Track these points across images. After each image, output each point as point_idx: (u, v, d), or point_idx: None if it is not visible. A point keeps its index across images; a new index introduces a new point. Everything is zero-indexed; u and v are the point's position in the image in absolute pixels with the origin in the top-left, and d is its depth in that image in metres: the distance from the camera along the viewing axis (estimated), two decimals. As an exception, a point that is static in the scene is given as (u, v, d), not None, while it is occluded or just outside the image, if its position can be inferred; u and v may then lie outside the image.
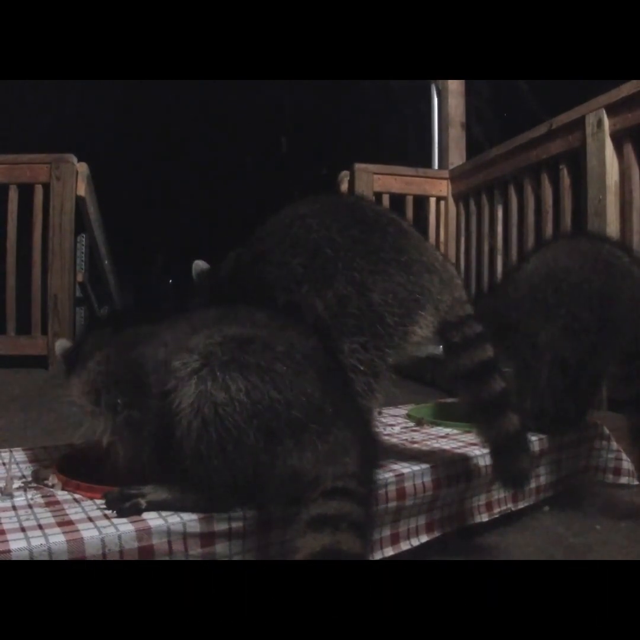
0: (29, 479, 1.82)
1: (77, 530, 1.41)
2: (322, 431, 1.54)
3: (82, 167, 5.13)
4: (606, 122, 3.73)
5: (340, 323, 1.89)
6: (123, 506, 1.53)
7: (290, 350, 1.60)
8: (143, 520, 1.49)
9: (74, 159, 5.08)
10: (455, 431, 2.50)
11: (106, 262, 6.33)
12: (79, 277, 5.32)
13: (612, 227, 3.69)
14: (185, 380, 1.55)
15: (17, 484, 1.77)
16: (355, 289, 1.89)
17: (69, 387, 1.73)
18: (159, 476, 1.62)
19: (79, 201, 5.14)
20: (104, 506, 1.57)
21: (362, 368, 1.88)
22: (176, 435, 1.55)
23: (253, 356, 1.56)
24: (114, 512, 1.53)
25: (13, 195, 5.01)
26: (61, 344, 1.86)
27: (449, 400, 3.02)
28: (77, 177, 5.08)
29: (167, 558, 1.47)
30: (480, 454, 2.16)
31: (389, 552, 1.88)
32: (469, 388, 1.96)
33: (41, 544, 1.34)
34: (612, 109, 3.71)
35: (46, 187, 5.02)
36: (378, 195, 5.46)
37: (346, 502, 1.45)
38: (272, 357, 1.57)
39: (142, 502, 1.54)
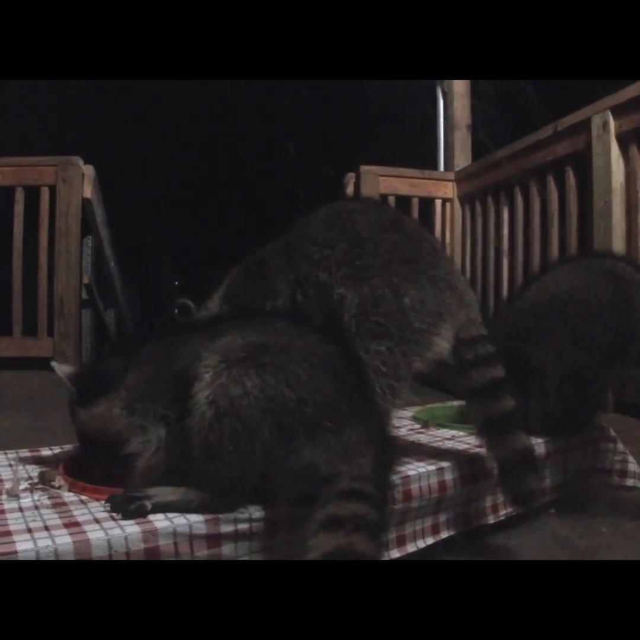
0: (36, 480, 1.82)
1: (84, 532, 1.42)
2: (336, 429, 1.56)
3: (88, 170, 5.14)
4: (612, 123, 3.73)
5: (371, 322, 1.97)
6: (128, 509, 1.53)
7: (307, 354, 1.63)
8: (149, 521, 1.49)
9: (80, 162, 5.09)
10: (461, 433, 2.49)
11: (112, 264, 6.34)
12: (85, 279, 5.32)
13: (618, 229, 3.69)
14: (202, 375, 1.58)
15: (23, 485, 1.77)
16: (391, 291, 1.98)
17: (93, 409, 1.74)
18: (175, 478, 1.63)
19: (85, 203, 5.15)
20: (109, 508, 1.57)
21: (384, 370, 1.95)
22: (188, 428, 1.57)
23: (269, 357, 1.59)
24: (119, 514, 1.53)
25: (19, 197, 5.03)
26: (62, 368, 1.87)
27: (455, 402, 3.02)
28: (83, 180, 5.10)
29: (173, 559, 1.47)
30: (487, 456, 2.16)
31: (395, 554, 1.88)
32: (480, 404, 2.02)
33: (48, 545, 1.34)
34: (618, 111, 3.71)
35: (52, 189, 5.03)
36: (384, 197, 5.46)
37: (361, 505, 1.46)
38: (288, 359, 1.60)
39: (147, 504, 1.54)
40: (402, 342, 1.96)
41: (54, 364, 1.90)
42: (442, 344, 2.01)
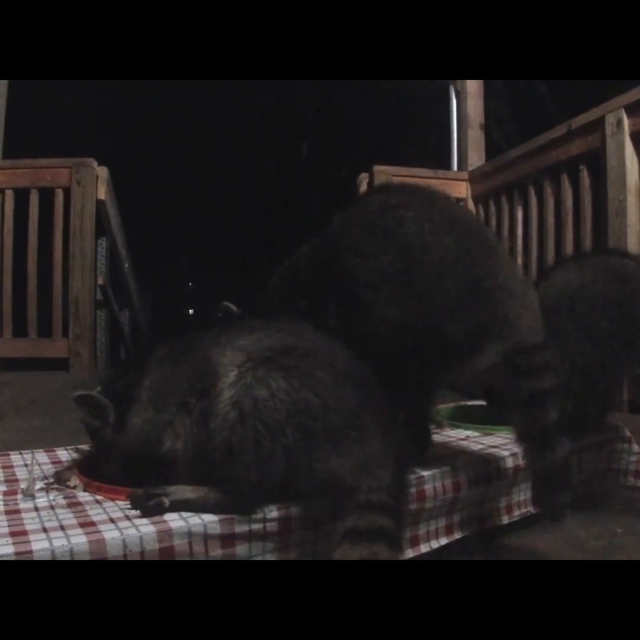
0: (51, 480, 1.84)
1: (99, 531, 1.42)
2: (360, 439, 1.56)
3: (103, 171, 5.17)
4: (626, 122, 3.71)
5: (415, 340, 1.85)
6: (147, 505, 1.54)
7: (332, 360, 1.63)
8: (164, 521, 1.50)
9: (95, 163, 5.12)
10: (475, 433, 2.49)
11: (126, 265, 6.37)
12: (100, 280, 5.35)
13: (633, 228, 3.68)
14: (227, 372, 1.59)
15: (39, 485, 1.78)
16: (440, 316, 1.83)
17: (129, 430, 1.73)
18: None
19: (100, 205, 5.18)
20: (126, 507, 1.58)
21: (415, 384, 1.92)
22: (209, 427, 1.58)
23: (295, 361, 1.59)
24: (138, 510, 1.54)
25: (34, 199, 5.06)
26: (95, 391, 1.79)
27: (469, 402, 3.01)
28: (98, 181, 5.12)
29: (187, 559, 1.48)
30: (501, 457, 2.16)
31: (409, 554, 1.88)
32: (525, 413, 1.92)
33: (63, 545, 1.35)
34: (632, 109, 3.69)
35: (67, 191, 5.06)
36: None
37: (381, 516, 1.47)
38: (314, 364, 1.60)
39: (166, 500, 1.55)
40: (437, 363, 1.89)
41: (93, 393, 1.77)
42: (487, 360, 1.90)
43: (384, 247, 1.88)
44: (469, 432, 2.52)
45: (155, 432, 1.68)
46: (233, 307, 2.18)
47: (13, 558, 1.30)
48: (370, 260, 1.88)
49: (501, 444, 2.27)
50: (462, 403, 3.04)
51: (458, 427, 2.61)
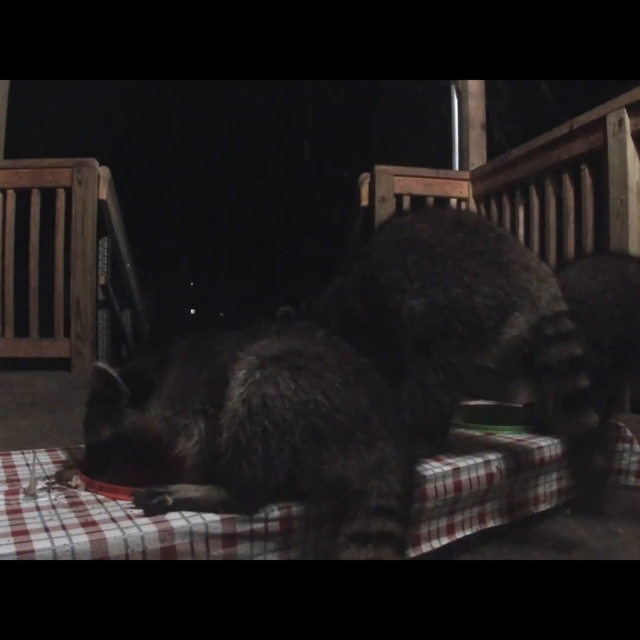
0: (53, 479, 1.84)
1: (101, 531, 1.42)
2: (368, 442, 1.56)
3: (104, 171, 5.17)
4: (627, 121, 3.70)
5: (443, 317, 2.01)
6: (150, 503, 1.54)
7: (342, 364, 1.64)
8: (166, 521, 1.50)
9: (96, 163, 5.12)
10: (477, 433, 2.49)
11: (128, 265, 6.36)
12: (101, 280, 5.35)
13: (634, 228, 3.66)
14: (237, 372, 1.60)
15: (41, 484, 1.78)
16: (463, 292, 2.01)
17: (145, 412, 1.74)
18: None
19: (101, 205, 5.17)
20: (127, 507, 1.58)
21: (446, 367, 2.02)
22: (218, 424, 1.58)
23: (304, 362, 1.60)
24: (141, 509, 1.55)
25: (35, 199, 5.06)
26: (106, 367, 1.78)
27: (472, 402, 3.01)
28: (99, 181, 5.12)
29: (189, 558, 1.48)
30: (501, 457, 2.16)
31: (410, 554, 1.88)
32: (554, 381, 2.01)
33: (65, 544, 1.35)
34: (633, 109, 3.68)
35: (68, 191, 5.06)
36: (399, 197, 5.46)
37: (389, 521, 1.48)
38: (324, 366, 1.61)
39: (169, 499, 1.55)
40: (466, 340, 2.01)
41: (99, 364, 1.79)
42: (513, 332, 2.04)
43: (408, 253, 2.11)
44: (470, 432, 2.52)
45: (170, 432, 1.69)
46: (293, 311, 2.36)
47: (15, 558, 1.30)
48: (396, 270, 2.11)
49: (504, 444, 2.27)
50: (465, 403, 3.04)
51: (459, 427, 2.61)
